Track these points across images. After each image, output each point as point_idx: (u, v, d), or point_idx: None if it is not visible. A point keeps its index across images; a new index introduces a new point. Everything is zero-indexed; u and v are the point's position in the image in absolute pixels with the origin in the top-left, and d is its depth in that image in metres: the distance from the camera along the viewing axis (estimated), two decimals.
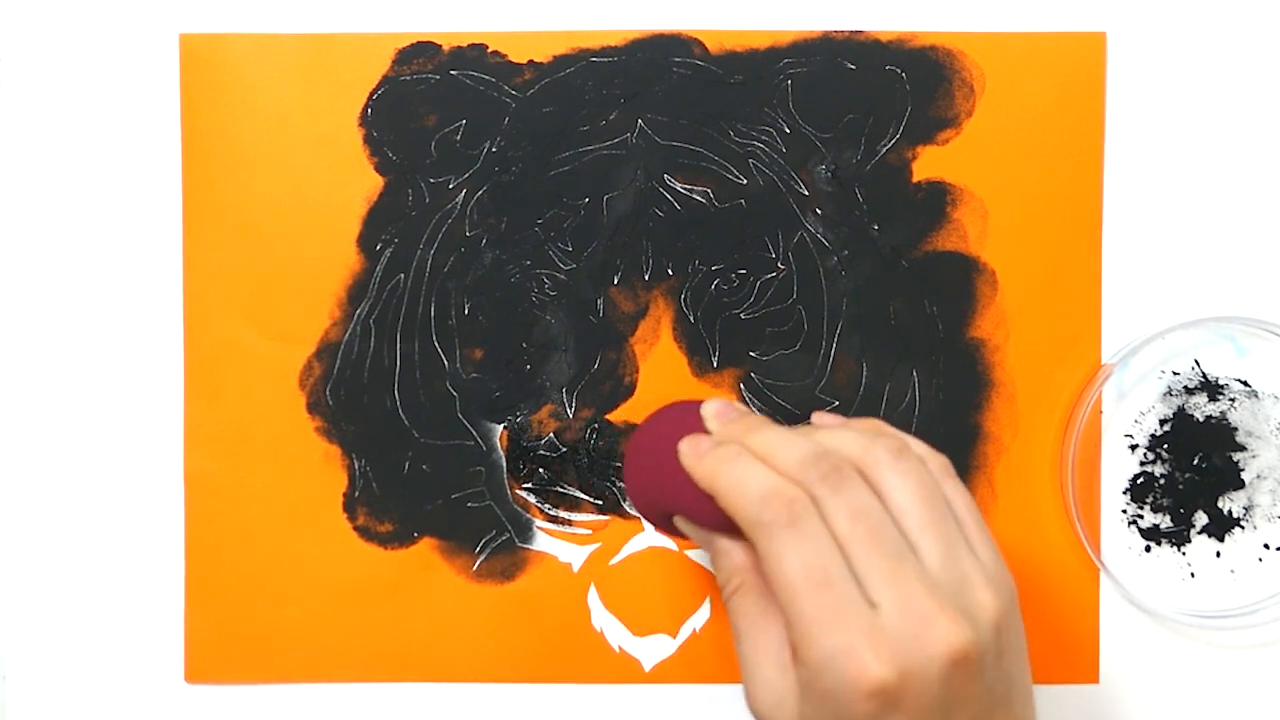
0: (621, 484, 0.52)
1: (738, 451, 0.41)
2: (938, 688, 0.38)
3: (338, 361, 0.52)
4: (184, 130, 0.52)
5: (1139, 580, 0.52)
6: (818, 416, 0.46)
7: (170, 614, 0.52)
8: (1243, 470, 0.52)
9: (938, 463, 0.42)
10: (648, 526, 0.52)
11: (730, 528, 0.42)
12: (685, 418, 0.44)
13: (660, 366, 0.52)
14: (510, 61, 0.52)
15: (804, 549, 0.39)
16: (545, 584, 0.52)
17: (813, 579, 0.38)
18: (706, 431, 0.44)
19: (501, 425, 0.52)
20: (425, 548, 0.52)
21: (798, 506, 0.39)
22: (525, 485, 0.52)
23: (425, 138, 0.52)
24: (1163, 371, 0.52)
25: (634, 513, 0.52)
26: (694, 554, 0.52)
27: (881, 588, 0.38)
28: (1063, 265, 0.52)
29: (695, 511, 0.43)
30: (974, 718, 0.39)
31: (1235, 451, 0.52)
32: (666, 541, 0.52)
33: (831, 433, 0.42)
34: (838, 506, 0.39)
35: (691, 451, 0.43)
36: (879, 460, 0.41)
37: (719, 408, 0.44)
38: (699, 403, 0.45)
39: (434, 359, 0.52)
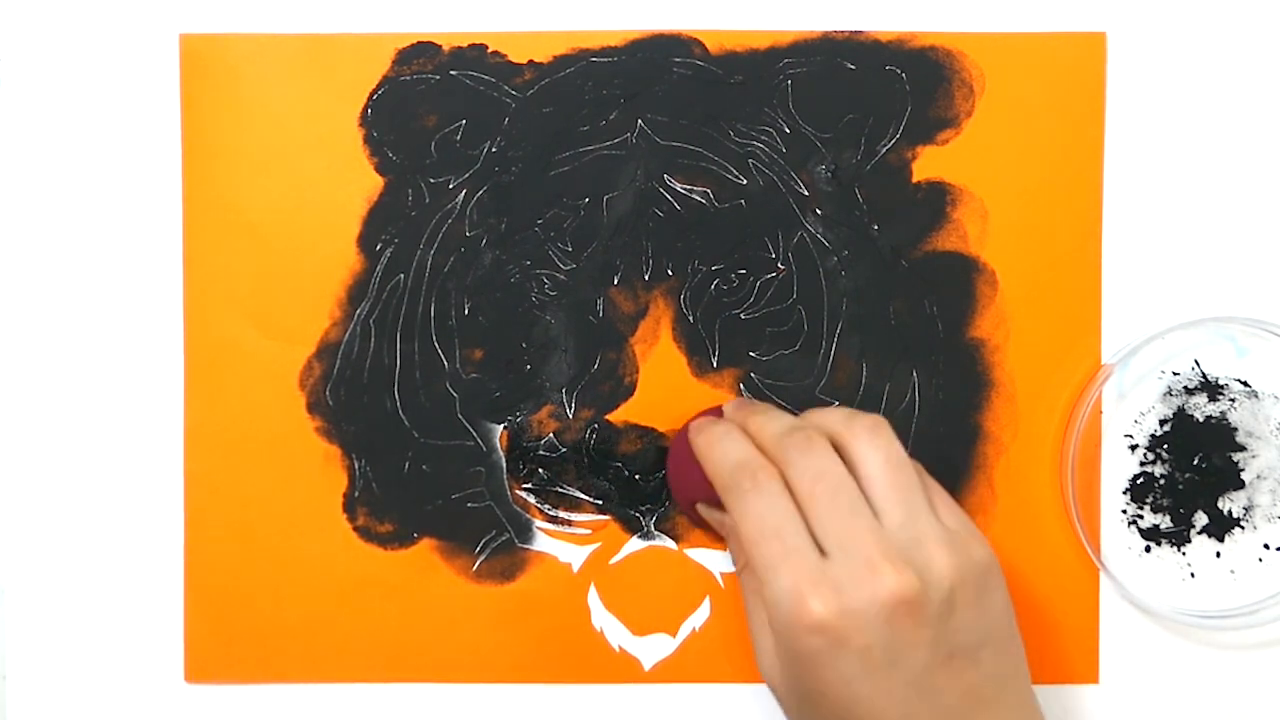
0: (617, 483, 0.52)
1: (727, 429, 0.46)
2: (881, 629, 0.41)
3: (338, 361, 0.52)
4: (184, 130, 0.52)
5: (1139, 580, 0.52)
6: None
7: (170, 614, 0.52)
8: (1243, 470, 0.52)
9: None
10: (650, 525, 0.52)
11: None
12: (713, 414, 0.50)
13: (660, 366, 0.52)
14: (510, 61, 0.52)
15: (761, 506, 0.43)
16: (545, 584, 0.52)
17: (765, 530, 0.43)
18: None
19: (501, 425, 0.52)
20: (425, 548, 0.52)
21: (762, 475, 0.44)
22: (525, 485, 0.52)
23: (425, 138, 0.52)
24: (1163, 371, 0.52)
25: (640, 512, 0.52)
26: (693, 553, 0.52)
27: (833, 540, 0.42)
28: (1063, 265, 0.52)
29: (707, 493, 0.47)
30: (925, 664, 0.41)
31: (1235, 451, 0.52)
32: (666, 541, 0.52)
33: (820, 412, 0.46)
34: (804, 469, 0.43)
35: (694, 429, 0.48)
36: (855, 433, 0.44)
37: (737, 401, 0.50)
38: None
39: (434, 359, 0.52)
